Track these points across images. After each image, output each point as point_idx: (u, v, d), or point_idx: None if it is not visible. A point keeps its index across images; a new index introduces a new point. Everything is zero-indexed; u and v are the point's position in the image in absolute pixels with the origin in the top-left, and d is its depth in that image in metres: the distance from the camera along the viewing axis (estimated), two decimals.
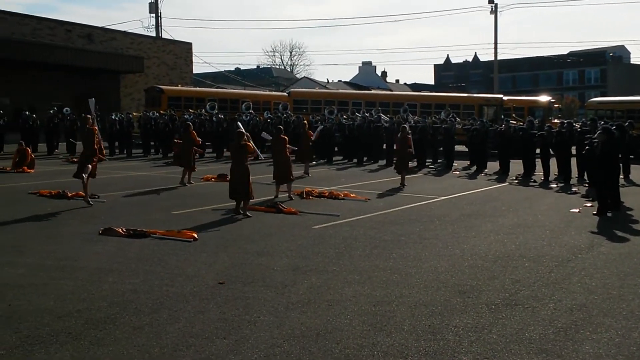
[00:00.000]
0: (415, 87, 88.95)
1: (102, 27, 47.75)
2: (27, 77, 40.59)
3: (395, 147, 18.95)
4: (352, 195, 15.26)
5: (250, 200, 12.83)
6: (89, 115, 14.69)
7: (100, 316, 6.29)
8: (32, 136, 28.10)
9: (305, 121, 22.97)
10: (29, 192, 15.24)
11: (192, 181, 17.57)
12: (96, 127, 14.62)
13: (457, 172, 22.50)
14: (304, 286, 7.47)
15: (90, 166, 13.64)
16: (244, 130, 13.62)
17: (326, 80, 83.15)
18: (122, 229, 10.44)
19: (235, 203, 12.75)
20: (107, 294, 7.03)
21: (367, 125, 26.41)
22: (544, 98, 38.93)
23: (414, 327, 6.10)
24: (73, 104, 37.38)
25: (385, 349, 5.53)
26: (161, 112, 31.31)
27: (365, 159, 25.97)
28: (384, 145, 26.22)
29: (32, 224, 11.47)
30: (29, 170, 20.39)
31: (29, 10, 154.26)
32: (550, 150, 20.41)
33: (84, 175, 13.51)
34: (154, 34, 54.67)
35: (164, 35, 55.67)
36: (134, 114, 34.01)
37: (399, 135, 18.66)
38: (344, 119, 27.98)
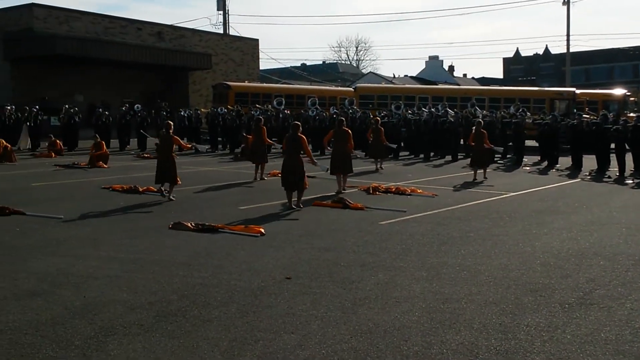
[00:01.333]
0: (483, 81, 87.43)
1: (171, 25, 48.77)
2: (100, 75, 41.86)
3: (470, 143, 18.70)
4: (418, 191, 15.11)
5: (316, 196, 12.85)
6: (170, 122, 14.90)
7: (171, 309, 6.40)
8: (104, 133, 28.87)
9: (377, 118, 22.94)
10: (101, 187, 15.67)
11: (264, 176, 17.74)
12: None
13: (528, 168, 22.01)
14: (371, 282, 7.43)
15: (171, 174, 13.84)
16: (299, 123, 13.79)
17: (392, 75, 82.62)
18: (191, 224, 10.61)
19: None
20: (177, 287, 7.15)
21: (434, 120, 26.12)
22: (618, 91, 37.64)
23: (484, 325, 5.98)
24: (144, 100, 38.32)
25: (454, 347, 5.44)
26: (228, 108, 31.71)
27: (431, 154, 25.68)
28: (451, 140, 25.85)
29: (105, 218, 11.79)
30: (104, 166, 20.97)
31: (102, 9, 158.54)
32: (626, 145, 19.75)
33: (163, 189, 13.83)
34: (221, 31, 55.51)
35: (231, 32, 56.44)
36: (202, 110, 34.58)
37: (474, 130, 18.60)
38: (410, 114, 27.74)
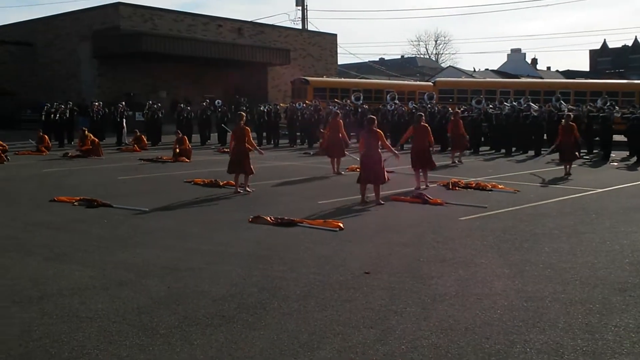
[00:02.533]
0: (568, 74, 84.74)
1: (251, 21, 49.42)
2: (182, 71, 42.88)
3: (559, 137, 18.18)
4: (500, 187, 14.80)
5: (395, 191, 12.77)
6: (242, 113, 15.13)
7: (251, 301, 6.49)
8: (186, 128, 29.53)
9: (457, 110, 22.75)
10: (184, 181, 16.04)
11: (341, 171, 17.77)
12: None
13: (616, 163, 21.24)
14: (451, 278, 7.32)
15: (247, 164, 14.03)
16: (374, 117, 13.72)
17: (472, 69, 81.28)
18: (270, 218, 10.73)
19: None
20: (257, 280, 7.24)
21: (516, 115, 25.51)
22: None
23: (570, 324, 5.80)
24: (224, 96, 39.02)
25: (538, 346, 5.29)
26: (307, 103, 31.89)
27: (513, 149, 25.11)
28: (534, 135, 25.19)
29: (188, 211, 12.07)
30: (186, 160, 21.47)
31: (185, 7, 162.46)
32: None
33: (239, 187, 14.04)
34: (300, 26, 55.85)
35: (310, 27, 56.76)
36: (281, 104, 34.91)
37: (562, 124, 18.15)
38: (491, 108, 27.19)
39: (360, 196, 12.72)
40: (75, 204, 12.44)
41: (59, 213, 11.64)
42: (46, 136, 25.86)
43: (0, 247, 8.86)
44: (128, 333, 5.58)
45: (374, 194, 12.68)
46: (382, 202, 12.49)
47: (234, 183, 14.44)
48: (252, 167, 14.17)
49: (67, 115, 29.00)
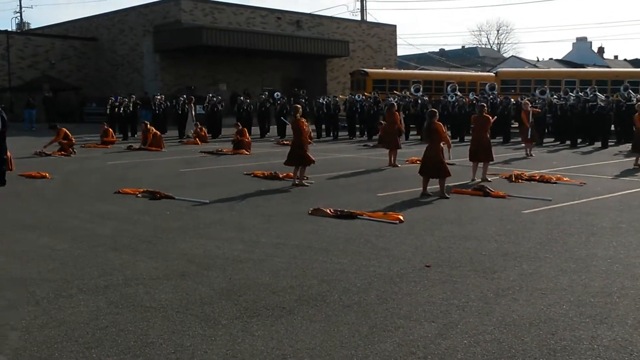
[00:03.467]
0: (637, 63, 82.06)
1: (310, 13, 49.54)
2: (242, 64, 43.33)
3: (638, 126, 17.56)
4: (565, 179, 14.44)
5: (457, 183, 12.59)
6: (298, 105, 15.14)
7: (311, 293, 6.50)
8: (246, 120, 29.82)
9: (527, 100, 22.33)
10: (244, 173, 16.19)
11: (397, 163, 17.64)
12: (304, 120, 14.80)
13: None
14: (514, 272, 7.18)
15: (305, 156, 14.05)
16: (435, 110, 13.53)
17: (536, 59, 79.53)
18: (330, 210, 10.72)
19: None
20: (317, 272, 7.24)
21: (582, 105, 24.84)
22: None
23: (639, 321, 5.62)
24: (283, 88, 39.24)
25: (606, 343, 5.14)
26: (365, 94, 31.77)
27: (579, 141, 24.47)
28: (601, 126, 24.49)
29: (247, 203, 12.16)
30: (246, 152, 21.68)
31: (244, 0, 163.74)
32: None
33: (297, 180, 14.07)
34: (359, 17, 55.69)
35: (369, 18, 56.54)
36: (340, 96, 34.89)
37: (636, 114, 17.50)
38: (556, 99, 26.56)
39: (421, 188, 12.59)
40: (138, 195, 12.70)
41: (124, 204, 11.90)
42: (110, 129, 26.51)
43: (69, 237, 9.11)
44: (191, 323, 5.66)
45: (438, 187, 12.53)
46: (448, 196, 12.31)
47: (292, 175, 14.49)
48: (311, 157, 14.16)
49: (131, 109, 29.65)
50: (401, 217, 10.15)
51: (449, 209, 11.29)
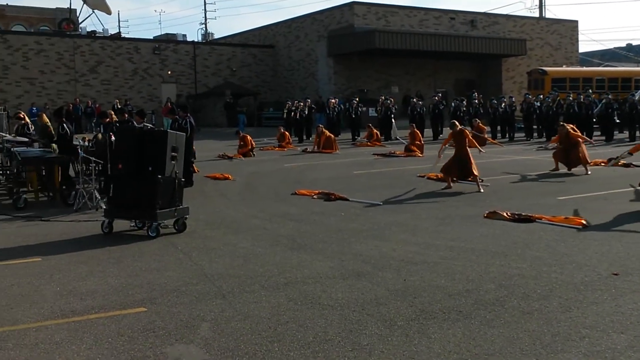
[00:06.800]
0: None
1: (484, 12, 48.37)
2: (414, 66, 43.25)
3: None
4: None
5: None
6: (455, 121, 14.73)
7: (488, 298, 6.33)
8: (419, 122, 29.64)
9: None
10: (417, 175, 16.12)
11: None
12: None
13: None
14: None
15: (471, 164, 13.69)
16: None
17: None
18: (507, 213, 10.40)
19: None
20: (494, 276, 7.05)
21: None
22: None
23: None
24: (455, 89, 38.63)
25: None
26: (542, 95, 30.46)
27: None
28: None
29: (421, 205, 12.09)
30: (420, 155, 21.59)
31: (417, 2, 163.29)
32: None
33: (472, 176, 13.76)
34: (537, 14, 53.56)
35: (548, 14, 54.21)
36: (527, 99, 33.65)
37: None
38: None
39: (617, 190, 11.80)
40: (314, 197, 13.06)
41: (300, 205, 12.29)
42: (287, 133, 27.49)
43: (251, 236, 9.56)
44: (367, 322, 5.72)
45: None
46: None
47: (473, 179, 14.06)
48: (474, 169, 13.68)
49: (306, 113, 30.57)
50: (584, 222, 9.62)
51: (638, 214, 10.53)
